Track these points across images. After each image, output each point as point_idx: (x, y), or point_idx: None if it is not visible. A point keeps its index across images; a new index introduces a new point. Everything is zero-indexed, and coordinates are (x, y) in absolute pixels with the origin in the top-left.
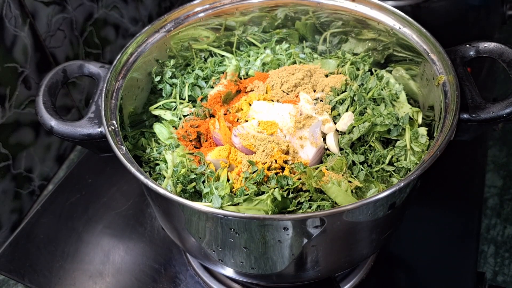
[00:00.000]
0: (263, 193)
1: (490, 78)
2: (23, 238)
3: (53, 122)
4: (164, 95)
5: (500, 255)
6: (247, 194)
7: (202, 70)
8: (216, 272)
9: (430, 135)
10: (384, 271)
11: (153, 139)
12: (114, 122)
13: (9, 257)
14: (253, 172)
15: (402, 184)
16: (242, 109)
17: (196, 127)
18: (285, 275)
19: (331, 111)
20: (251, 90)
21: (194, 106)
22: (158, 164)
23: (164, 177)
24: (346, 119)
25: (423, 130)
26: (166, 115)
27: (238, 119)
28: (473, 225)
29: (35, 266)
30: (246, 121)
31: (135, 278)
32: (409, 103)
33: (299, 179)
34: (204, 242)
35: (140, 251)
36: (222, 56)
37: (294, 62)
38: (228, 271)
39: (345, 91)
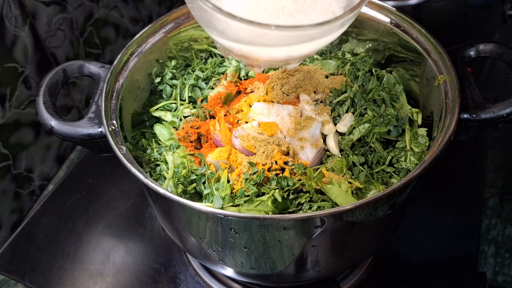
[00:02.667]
0: (263, 194)
1: (490, 78)
2: (23, 238)
3: (53, 122)
4: (164, 96)
5: (501, 255)
6: (248, 195)
7: (202, 71)
8: (216, 272)
9: (430, 135)
10: (384, 271)
11: (153, 140)
12: (114, 122)
13: (9, 257)
14: (254, 173)
15: (402, 184)
16: (242, 110)
17: (197, 128)
18: (285, 275)
19: (331, 112)
20: (251, 91)
21: (194, 107)
22: (158, 165)
23: (165, 178)
24: (346, 120)
25: (422, 131)
26: (167, 116)
27: (238, 120)
28: (473, 225)
29: (35, 266)
30: (246, 122)
31: (135, 278)
32: (409, 103)
33: (300, 180)
34: (204, 242)
35: (140, 251)
36: (222, 57)
37: None
38: (228, 271)
39: (345, 92)
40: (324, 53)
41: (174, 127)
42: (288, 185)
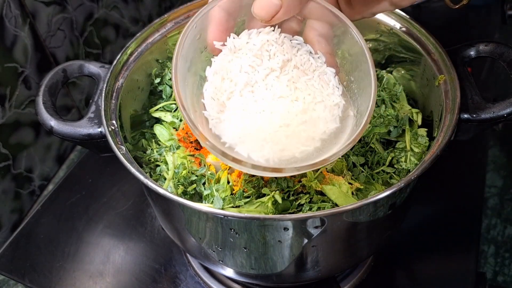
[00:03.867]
0: (263, 195)
1: (490, 78)
2: (23, 238)
3: (53, 122)
4: (164, 96)
5: (501, 255)
6: (248, 196)
7: None
8: (216, 272)
9: (430, 135)
10: (384, 271)
11: (153, 140)
12: (114, 122)
13: (9, 257)
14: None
15: (402, 184)
16: None
17: None
18: (285, 275)
19: None
20: None
21: None
22: (158, 166)
23: (165, 179)
24: None
25: (422, 131)
26: (167, 117)
27: None
28: (473, 225)
29: (35, 266)
30: None
31: (135, 278)
32: (409, 103)
33: (300, 181)
34: (204, 243)
35: (141, 251)
36: None
37: None
38: (228, 272)
39: None
40: None
41: (174, 128)
42: (288, 187)
